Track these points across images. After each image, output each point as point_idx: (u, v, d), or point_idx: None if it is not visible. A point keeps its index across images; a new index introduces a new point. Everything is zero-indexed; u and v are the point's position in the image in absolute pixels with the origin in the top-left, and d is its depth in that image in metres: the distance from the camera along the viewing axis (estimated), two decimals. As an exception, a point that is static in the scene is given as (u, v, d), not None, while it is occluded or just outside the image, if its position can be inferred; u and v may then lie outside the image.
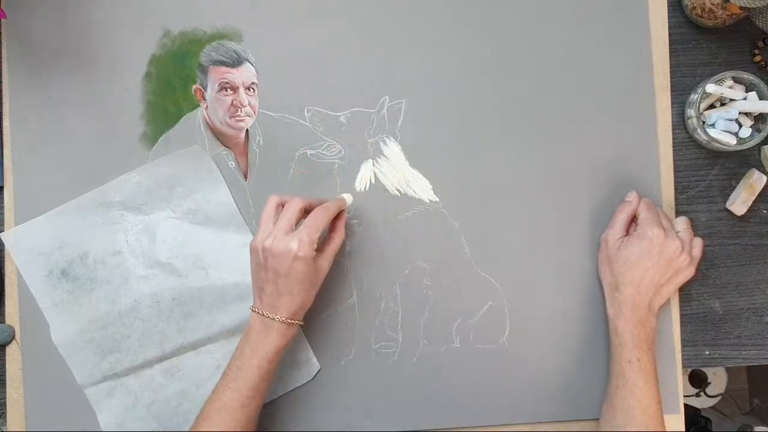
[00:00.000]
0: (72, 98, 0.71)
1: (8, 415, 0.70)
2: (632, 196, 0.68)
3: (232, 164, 0.71)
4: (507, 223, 0.70)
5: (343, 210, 0.67)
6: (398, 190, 0.71)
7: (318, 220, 0.62)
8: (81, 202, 0.71)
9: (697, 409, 1.31)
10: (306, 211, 0.63)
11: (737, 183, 0.71)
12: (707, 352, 0.71)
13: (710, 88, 0.66)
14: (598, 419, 0.68)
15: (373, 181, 0.71)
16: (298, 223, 0.62)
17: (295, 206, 0.62)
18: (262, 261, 0.61)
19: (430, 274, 0.70)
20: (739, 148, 0.67)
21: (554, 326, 0.70)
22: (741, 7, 0.64)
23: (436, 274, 0.70)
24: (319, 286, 0.63)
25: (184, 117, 0.71)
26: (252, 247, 0.62)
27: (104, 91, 0.71)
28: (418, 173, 0.71)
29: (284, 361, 0.69)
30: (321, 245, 0.63)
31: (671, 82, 0.70)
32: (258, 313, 0.61)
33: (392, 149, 0.71)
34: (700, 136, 0.68)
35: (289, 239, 0.60)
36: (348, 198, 0.68)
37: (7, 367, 0.70)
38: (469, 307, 0.70)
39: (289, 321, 0.61)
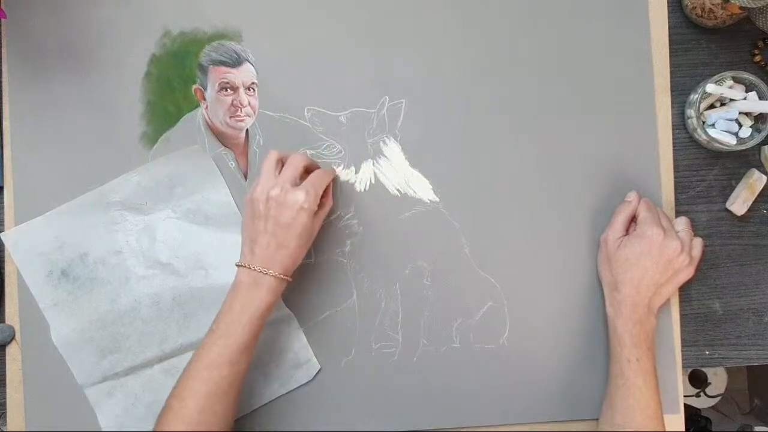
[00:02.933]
0: (72, 98, 0.71)
1: (8, 415, 0.70)
2: (632, 196, 0.68)
3: (232, 164, 0.71)
4: (507, 223, 0.70)
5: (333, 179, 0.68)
6: (398, 190, 0.71)
7: (322, 179, 0.63)
8: (81, 202, 0.71)
9: (697, 409, 1.31)
10: (306, 170, 0.64)
11: (737, 183, 0.71)
12: (707, 352, 0.71)
13: (710, 88, 0.66)
14: (597, 419, 0.68)
15: (373, 181, 0.71)
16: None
17: (299, 161, 0.63)
18: (263, 211, 0.61)
19: (430, 274, 0.70)
20: (739, 148, 0.67)
21: (554, 326, 0.70)
22: (741, 7, 0.64)
23: (436, 274, 0.70)
24: (310, 245, 0.63)
25: (184, 117, 0.71)
26: (252, 198, 0.62)
27: (104, 91, 0.71)
28: (418, 173, 0.71)
29: (284, 361, 0.69)
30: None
31: (671, 82, 0.70)
32: (248, 267, 0.61)
33: (392, 149, 0.71)
34: (700, 136, 0.68)
35: (296, 190, 0.61)
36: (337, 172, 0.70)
37: (7, 367, 0.70)
38: (469, 307, 0.70)
39: (281, 276, 0.61)
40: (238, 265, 0.62)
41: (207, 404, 0.58)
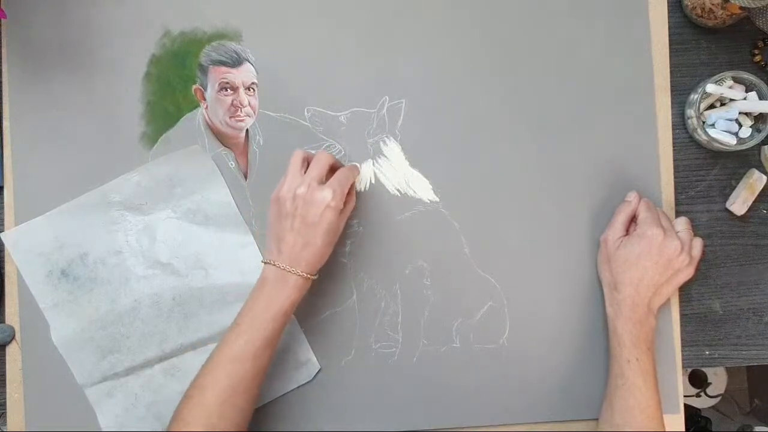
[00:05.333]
0: (72, 98, 0.71)
1: (8, 415, 0.70)
2: (632, 196, 0.68)
3: (232, 164, 0.71)
4: (507, 223, 0.70)
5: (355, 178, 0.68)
6: (398, 190, 0.71)
7: (347, 177, 0.64)
8: (81, 202, 0.71)
9: (697, 409, 1.31)
10: (331, 169, 0.64)
11: (737, 183, 0.71)
12: (707, 352, 0.71)
13: (710, 88, 0.66)
14: (597, 419, 0.68)
15: (373, 181, 0.71)
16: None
17: (325, 160, 0.64)
18: (290, 209, 0.61)
19: (430, 274, 0.70)
20: (739, 148, 0.67)
21: (554, 326, 0.70)
22: (741, 7, 0.64)
23: (436, 274, 0.70)
24: (335, 244, 0.64)
25: (184, 117, 0.71)
26: (279, 196, 0.62)
27: (104, 91, 0.71)
28: (418, 173, 0.71)
29: (284, 361, 0.69)
30: None
31: (671, 82, 0.70)
32: (274, 265, 0.61)
33: (392, 149, 0.71)
34: (700, 136, 0.68)
35: (323, 188, 0.61)
36: (361, 168, 0.70)
37: (7, 367, 0.70)
38: (469, 307, 0.70)
39: (307, 275, 0.61)
40: (264, 263, 0.62)
41: (228, 397, 0.58)
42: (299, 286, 0.61)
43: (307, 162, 0.64)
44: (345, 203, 0.64)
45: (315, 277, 0.62)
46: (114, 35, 0.71)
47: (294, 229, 0.61)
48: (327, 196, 0.60)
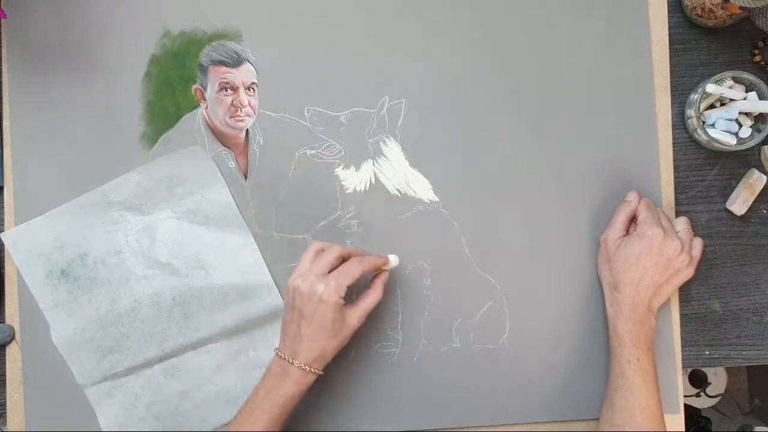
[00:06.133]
0: (72, 98, 0.71)
1: (8, 415, 0.70)
2: (632, 196, 0.68)
3: (232, 164, 0.71)
4: (507, 223, 0.70)
5: (385, 270, 0.66)
6: (398, 190, 0.71)
7: (351, 269, 0.61)
8: (81, 202, 0.71)
9: (697, 409, 1.31)
10: (344, 260, 0.63)
11: (737, 183, 0.71)
12: (707, 352, 0.71)
13: (710, 88, 0.66)
14: (597, 419, 0.68)
15: (373, 181, 0.71)
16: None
17: (333, 252, 0.62)
18: (290, 301, 0.61)
19: (430, 274, 0.70)
20: (739, 148, 0.67)
21: (554, 326, 0.70)
22: (741, 7, 0.64)
23: (436, 274, 0.70)
24: (345, 340, 0.62)
25: (184, 117, 0.71)
26: (287, 287, 0.62)
27: (104, 91, 0.71)
28: (418, 173, 0.71)
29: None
30: (355, 300, 0.63)
31: (671, 82, 0.70)
32: (279, 355, 0.62)
33: (392, 149, 0.71)
34: (700, 136, 0.68)
35: (317, 281, 0.60)
36: (394, 260, 0.66)
37: (7, 367, 0.70)
38: (469, 307, 0.70)
39: (305, 368, 0.60)
40: (275, 351, 0.63)
41: None
42: (298, 379, 0.60)
43: (322, 252, 0.63)
44: (363, 297, 0.63)
45: (319, 373, 0.61)
46: (114, 35, 0.71)
47: (293, 320, 0.61)
48: (318, 289, 0.60)
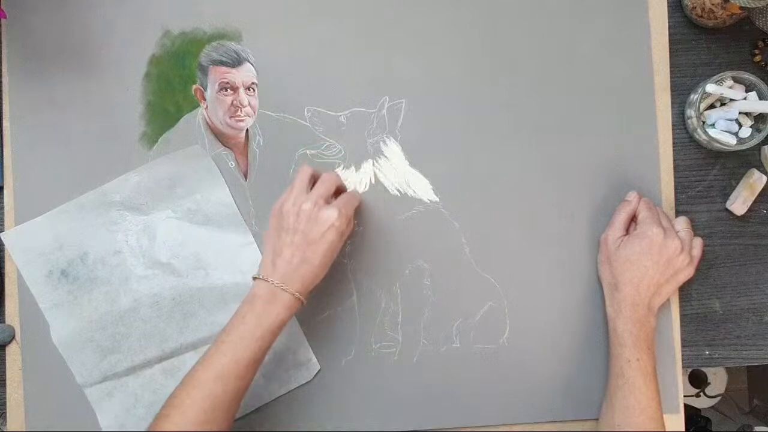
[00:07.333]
0: (72, 98, 0.71)
1: (8, 415, 0.70)
2: (632, 196, 0.68)
3: (232, 164, 0.71)
4: (507, 223, 0.70)
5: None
6: (398, 190, 0.71)
7: (352, 201, 0.64)
8: (81, 202, 0.71)
9: (697, 409, 1.31)
10: (336, 191, 0.64)
11: (737, 183, 0.71)
12: (707, 352, 0.71)
13: (710, 88, 0.66)
14: (597, 419, 0.68)
15: (373, 181, 0.71)
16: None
17: (333, 180, 0.63)
18: (292, 224, 0.60)
19: (430, 274, 0.70)
20: (739, 148, 0.67)
21: (554, 326, 0.70)
22: (741, 7, 0.64)
23: (436, 274, 0.70)
24: (329, 267, 0.62)
25: (184, 117, 0.71)
26: (282, 210, 0.61)
27: (104, 91, 0.71)
28: (418, 173, 0.71)
29: (284, 361, 0.69)
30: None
31: (671, 82, 0.70)
32: (266, 281, 0.60)
33: (392, 149, 0.71)
34: (700, 136, 0.68)
35: (329, 207, 0.60)
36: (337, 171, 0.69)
37: (7, 367, 0.70)
38: (469, 307, 0.70)
39: (298, 295, 0.59)
40: (255, 278, 0.61)
41: (209, 416, 0.56)
42: (290, 306, 0.59)
43: (313, 179, 0.64)
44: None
45: (304, 301, 0.60)
46: (114, 35, 0.71)
47: (293, 244, 0.60)
48: (333, 215, 0.60)
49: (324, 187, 0.62)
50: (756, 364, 0.71)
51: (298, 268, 0.60)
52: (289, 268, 0.59)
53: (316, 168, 0.65)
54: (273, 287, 0.59)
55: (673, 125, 0.70)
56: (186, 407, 0.56)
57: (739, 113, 0.67)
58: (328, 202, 0.62)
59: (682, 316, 0.70)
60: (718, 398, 1.32)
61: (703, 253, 0.67)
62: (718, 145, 0.67)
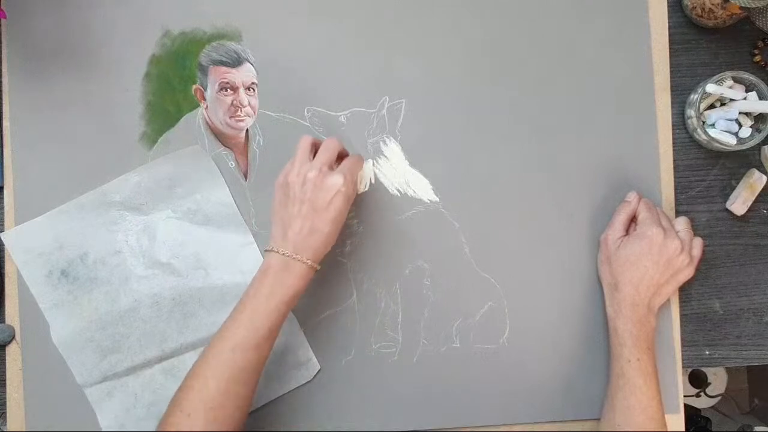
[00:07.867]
0: (72, 98, 0.71)
1: (8, 415, 0.70)
2: (632, 196, 0.68)
3: (232, 164, 0.71)
4: (507, 223, 0.70)
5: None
6: (398, 190, 0.71)
7: (356, 165, 0.63)
8: (81, 202, 0.71)
9: (697, 409, 1.31)
10: (339, 156, 0.64)
11: (737, 183, 0.71)
12: (707, 352, 0.71)
13: (710, 88, 0.66)
14: (598, 419, 0.68)
15: (373, 181, 0.71)
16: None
17: (335, 146, 0.63)
18: (299, 194, 0.60)
19: (430, 274, 0.70)
20: (739, 148, 0.67)
21: (554, 326, 0.70)
22: (741, 7, 0.64)
23: (436, 274, 0.70)
24: (338, 234, 0.62)
25: (184, 117, 0.71)
26: (287, 181, 0.61)
27: (104, 91, 0.71)
28: (418, 173, 0.71)
29: (284, 361, 0.69)
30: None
31: (671, 82, 0.70)
32: (277, 252, 0.60)
33: (392, 149, 0.71)
34: (700, 136, 0.68)
35: (334, 173, 0.60)
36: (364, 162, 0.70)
37: (7, 367, 0.70)
38: (469, 307, 0.70)
39: (311, 264, 0.59)
40: (267, 251, 0.61)
41: (229, 386, 0.57)
42: (303, 275, 0.60)
43: (315, 148, 0.64)
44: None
45: (318, 268, 0.61)
46: (114, 35, 0.71)
47: (302, 214, 0.60)
48: (338, 181, 0.60)
49: (326, 154, 0.62)
50: (756, 364, 0.71)
51: (308, 238, 0.59)
52: (299, 238, 0.59)
53: (316, 138, 0.65)
54: (285, 258, 0.59)
55: (673, 125, 0.70)
56: (207, 377, 0.57)
57: (739, 113, 0.67)
58: (331, 168, 0.61)
59: (682, 316, 0.70)
60: (718, 398, 1.32)
61: (703, 253, 0.67)
62: (718, 145, 0.67)
